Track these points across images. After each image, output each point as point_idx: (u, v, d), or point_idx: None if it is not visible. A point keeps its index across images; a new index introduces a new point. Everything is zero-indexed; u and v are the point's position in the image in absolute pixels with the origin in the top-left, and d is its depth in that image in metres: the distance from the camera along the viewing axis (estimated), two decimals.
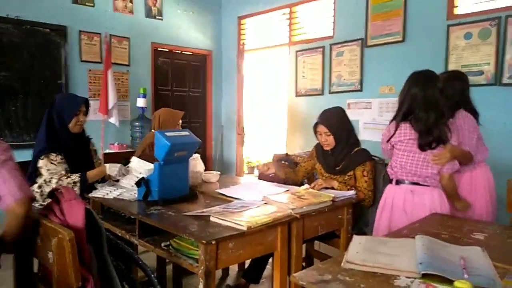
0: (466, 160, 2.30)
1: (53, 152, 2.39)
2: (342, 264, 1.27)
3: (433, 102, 2.04)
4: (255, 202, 2.05)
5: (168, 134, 2.14)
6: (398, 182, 2.17)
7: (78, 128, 2.51)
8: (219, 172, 2.81)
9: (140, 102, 4.88)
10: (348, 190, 2.38)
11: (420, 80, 2.11)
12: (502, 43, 3.44)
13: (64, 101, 2.53)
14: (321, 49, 4.84)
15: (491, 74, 3.51)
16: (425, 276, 1.15)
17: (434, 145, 2.03)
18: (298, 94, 5.14)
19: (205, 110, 6.17)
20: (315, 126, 2.54)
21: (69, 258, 1.32)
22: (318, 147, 2.64)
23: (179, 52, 5.81)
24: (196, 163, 2.58)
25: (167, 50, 5.66)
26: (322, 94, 4.86)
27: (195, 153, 2.59)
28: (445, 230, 1.67)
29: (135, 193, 2.21)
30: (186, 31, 5.74)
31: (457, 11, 3.76)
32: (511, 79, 3.40)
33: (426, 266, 1.18)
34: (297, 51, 5.12)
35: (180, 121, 3.14)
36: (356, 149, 2.50)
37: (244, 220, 1.71)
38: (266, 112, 6.38)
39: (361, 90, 4.49)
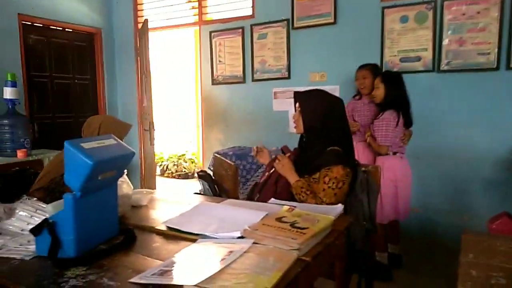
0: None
1: None
2: None
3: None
4: (231, 238, 1.40)
5: (86, 145, 1.33)
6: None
7: None
8: (151, 191, 2.03)
9: (9, 93, 3.63)
10: (304, 195, 1.89)
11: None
12: (439, 27, 3.31)
13: None
14: (240, 30, 4.24)
15: (428, 60, 3.37)
16: None
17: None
18: (215, 82, 4.47)
19: (97, 102, 5.06)
20: None
21: None
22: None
23: (59, 28, 4.59)
24: (121, 183, 1.77)
25: (41, 25, 4.41)
26: (244, 82, 4.28)
27: None
28: None
29: (30, 243, 1.35)
30: (66, 2, 4.55)
31: None
32: (449, 66, 3.30)
33: None
34: (211, 32, 4.42)
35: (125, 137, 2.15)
36: (330, 147, 1.99)
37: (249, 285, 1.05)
38: (174, 103, 5.49)
39: (289, 78, 4.04)
